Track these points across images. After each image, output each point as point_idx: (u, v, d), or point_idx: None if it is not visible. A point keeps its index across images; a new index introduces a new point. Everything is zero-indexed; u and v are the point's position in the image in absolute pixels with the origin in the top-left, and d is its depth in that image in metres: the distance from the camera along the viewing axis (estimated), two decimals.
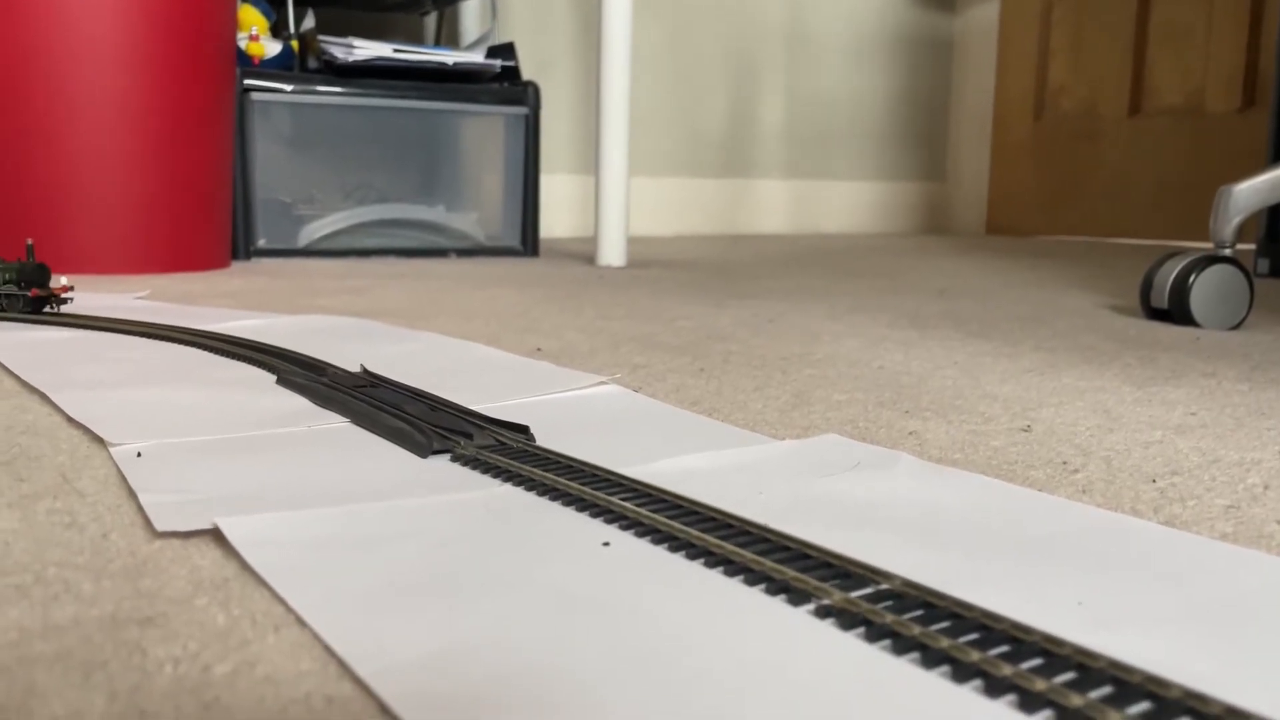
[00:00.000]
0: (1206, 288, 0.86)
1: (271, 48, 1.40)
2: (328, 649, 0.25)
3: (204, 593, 0.28)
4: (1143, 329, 0.84)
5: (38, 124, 1.08)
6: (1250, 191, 0.90)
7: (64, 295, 0.75)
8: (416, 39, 1.80)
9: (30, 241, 0.76)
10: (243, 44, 1.37)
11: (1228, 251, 0.88)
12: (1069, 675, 0.23)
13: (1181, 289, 0.86)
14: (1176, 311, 0.87)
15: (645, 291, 1.06)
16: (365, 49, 1.41)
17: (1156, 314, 0.89)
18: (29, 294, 0.73)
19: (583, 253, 1.54)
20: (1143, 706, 0.22)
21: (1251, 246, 1.58)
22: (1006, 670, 0.23)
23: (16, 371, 0.57)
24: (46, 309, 0.75)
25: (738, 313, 0.90)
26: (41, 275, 0.74)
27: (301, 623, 0.26)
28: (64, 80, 1.08)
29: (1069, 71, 2.20)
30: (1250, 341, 0.79)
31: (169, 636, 0.25)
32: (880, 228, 2.41)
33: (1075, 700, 0.22)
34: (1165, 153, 2.02)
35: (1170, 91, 2.02)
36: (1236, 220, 0.89)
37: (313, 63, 1.44)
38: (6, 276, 0.74)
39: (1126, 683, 0.23)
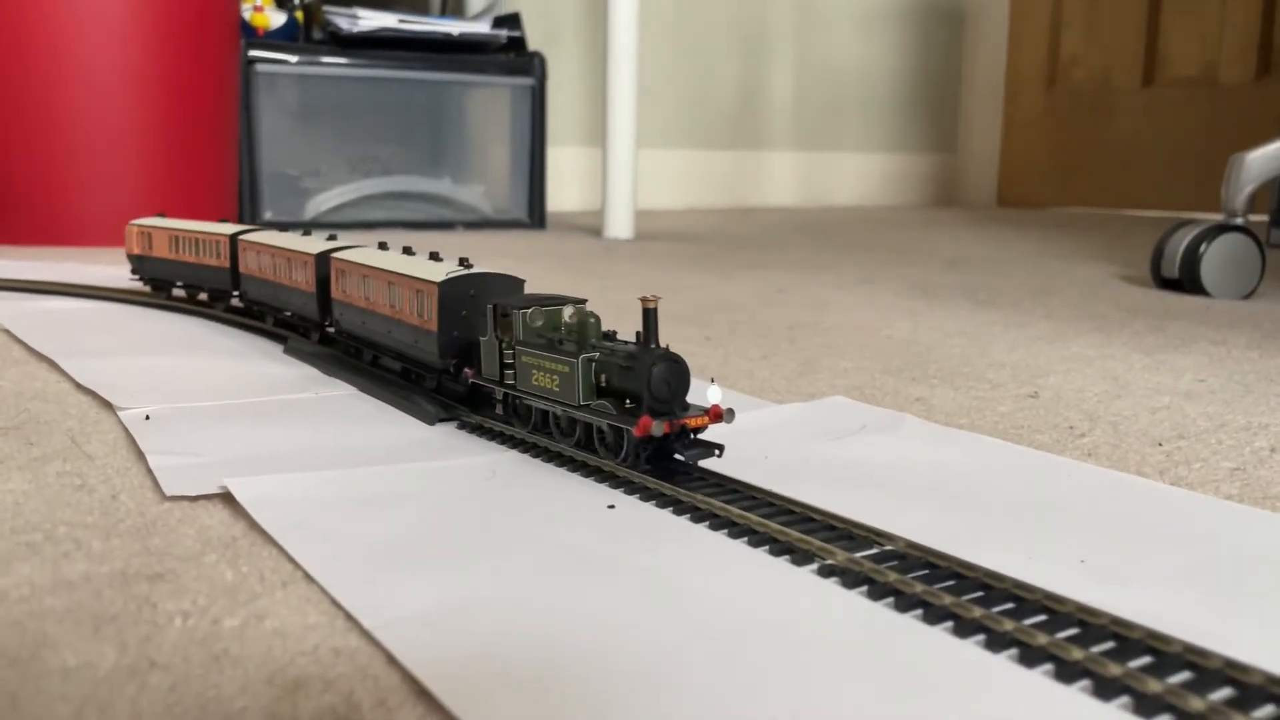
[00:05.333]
0: (1217, 257, 0.85)
1: (276, 19, 1.39)
2: (335, 603, 0.25)
3: (213, 550, 0.28)
4: (1153, 298, 0.84)
5: (42, 95, 1.08)
6: (1263, 160, 0.89)
7: (703, 424, 0.34)
8: (421, 9, 1.79)
9: (650, 305, 0.33)
10: (247, 15, 1.36)
11: (1239, 220, 0.87)
12: (1071, 631, 0.24)
13: (1192, 258, 0.86)
14: (1187, 281, 0.86)
15: (653, 263, 1.05)
16: (370, 19, 1.40)
17: (1167, 284, 0.89)
18: (634, 429, 0.32)
19: (590, 225, 1.54)
20: (1143, 660, 0.22)
21: (1264, 218, 1.57)
22: (1008, 626, 0.24)
23: (25, 339, 0.58)
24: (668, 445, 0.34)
25: (746, 283, 0.89)
26: (673, 383, 0.33)
27: (309, 578, 0.26)
28: (68, 51, 1.08)
29: (1082, 41, 2.17)
30: (1261, 310, 0.78)
31: (178, 591, 0.25)
32: (890, 200, 2.39)
33: (1076, 654, 0.22)
34: (1179, 123, 2.00)
35: (1184, 61, 1.99)
36: (1249, 189, 0.88)
37: (317, 33, 1.43)
38: (602, 376, 0.35)
39: (1127, 638, 0.23)
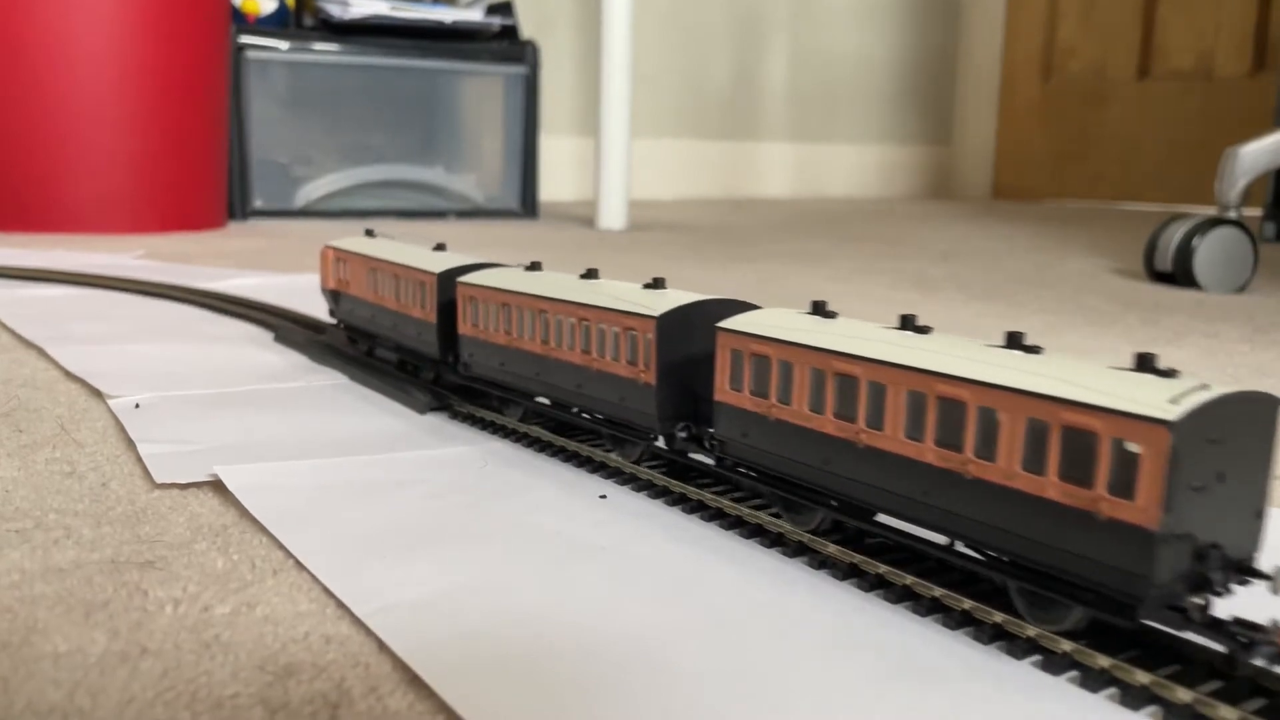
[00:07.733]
0: (1210, 251, 0.86)
1: (267, 5, 1.38)
2: (326, 590, 0.25)
3: (203, 538, 0.28)
4: (1146, 292, 0.84)
5: (31, 79, 1.07)
6: (1257, 153, 0.89)
7: None
8: None
9: None
10: (237, 1, 1.35)
11: (1233, 214, 0.87)
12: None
13: (1185, 252, 0.86)
14: (1180, 274, 0.86)
15: (646, 254, 1.05)
16: (361, 6, 1.39)
17: (1160, 277, 0.89)
18: None
19: (583, 215, 1.53)
20: (1130, 653, 0.22)
21: (1258, 212, 1.57)
22: (997, 618, 0.24)
23: (12, 326, 0.57)
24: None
25: (739, 274, 0.89)
26: None
27: (300, 566, 0.26)
28: (58, 38, 1.07)
29: (1078, 32, 2.18)
30: (1253, 304, 0.79)
31: (169, 579, 0.25)
32: (885, 192, 2.39)
33: (1064, 646, 0.22)
34: (1174, 116, 2.00)
35: (1180, 54, 1.99)
36: (1243, 182, 0.89)
37: (309, 20, 1.42)
38: None
39: None
